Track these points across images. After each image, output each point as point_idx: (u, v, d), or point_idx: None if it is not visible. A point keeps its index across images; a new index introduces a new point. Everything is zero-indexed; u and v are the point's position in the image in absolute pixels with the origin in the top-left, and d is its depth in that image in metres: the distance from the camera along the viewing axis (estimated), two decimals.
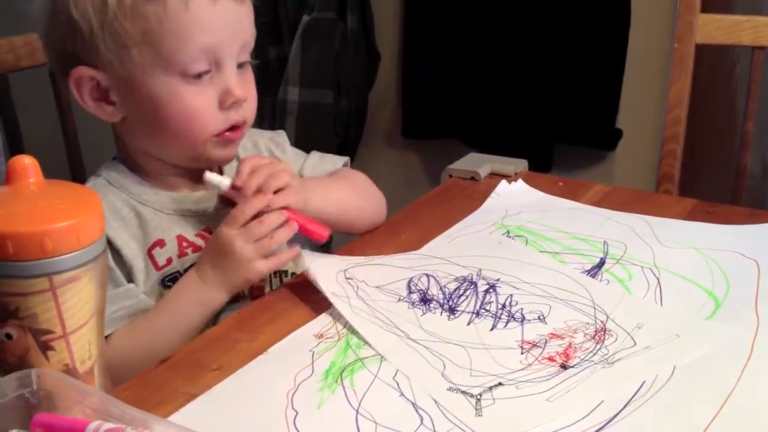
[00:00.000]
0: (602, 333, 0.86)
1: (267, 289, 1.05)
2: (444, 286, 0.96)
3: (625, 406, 0.75)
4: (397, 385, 0.79)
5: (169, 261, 1.02)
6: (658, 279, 0.97)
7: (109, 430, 0.60)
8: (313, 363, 0.83)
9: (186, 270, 1.01)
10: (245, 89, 1.01)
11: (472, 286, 0.96)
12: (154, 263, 1.01)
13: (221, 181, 1.00)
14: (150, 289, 1.01)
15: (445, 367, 0.81)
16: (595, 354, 0.83)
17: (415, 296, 0.94)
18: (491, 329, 0.88)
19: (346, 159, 1.21)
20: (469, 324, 0.89)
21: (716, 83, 2.06)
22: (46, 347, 0.66)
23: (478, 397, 0.77)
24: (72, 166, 1.43)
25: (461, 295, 0.95)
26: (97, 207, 0.68)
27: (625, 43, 2.17)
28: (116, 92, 0.98)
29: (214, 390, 0.79)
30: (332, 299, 0.91)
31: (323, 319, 0.91)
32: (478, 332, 0.87)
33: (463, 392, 0.77)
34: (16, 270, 0.63)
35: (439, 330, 0.88)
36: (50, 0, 0.97)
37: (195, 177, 1.05)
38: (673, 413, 0.74)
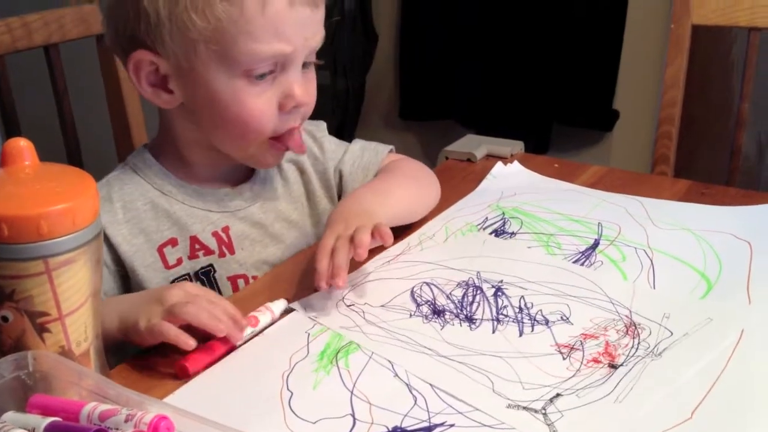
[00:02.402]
0: (633, 328, 0.85)
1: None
2: (450, 294, 0.93)
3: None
4: (392, 366, 0.80)
5: (179, 261, 1.00)
6: (651, 260, 0.98)
7: (105, 412, 0.61)
8: (308, 344, 0.83)
9: (196, 273, 1.00)
10: (308, 91, 0.97)
11: (479, 291, 0.93)
12: (164, 260, 0.99)
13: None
14: (157, 286, 0.98)
15: (492, 383, 0.77)
16: (636, 349, 0.81)
17: (425, 308, 0.90)
18: (520, 336, 0.85)
19: (390, 147, 1.17)
20: (494, 332, 0.85)
21: (713, 64, 2.06)
22: (42, 329, 0.67)
23: (543, 411, 0.73)
24: (68, 148, 1.43)
25: (472, 302, 0.91)
26: (92, 190, 0.68)
27: (622, 25, 2.17)
28: (175, 81, 0.95)
29: (209, 372, 0.79)
30: (344, 333, 0.86)
31: None
32: (507, 340, 0.84)
33: (525, 408, 0.74)
34: (11, 253, 0.64)
35: (465, 342, 0.84)
36: None
37: (235, 174, 1.05)
38: (665, 391, 0.75)
